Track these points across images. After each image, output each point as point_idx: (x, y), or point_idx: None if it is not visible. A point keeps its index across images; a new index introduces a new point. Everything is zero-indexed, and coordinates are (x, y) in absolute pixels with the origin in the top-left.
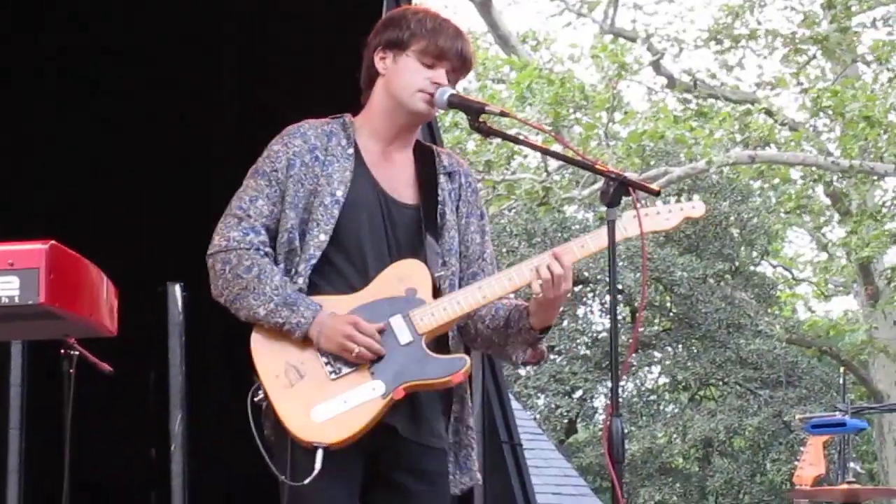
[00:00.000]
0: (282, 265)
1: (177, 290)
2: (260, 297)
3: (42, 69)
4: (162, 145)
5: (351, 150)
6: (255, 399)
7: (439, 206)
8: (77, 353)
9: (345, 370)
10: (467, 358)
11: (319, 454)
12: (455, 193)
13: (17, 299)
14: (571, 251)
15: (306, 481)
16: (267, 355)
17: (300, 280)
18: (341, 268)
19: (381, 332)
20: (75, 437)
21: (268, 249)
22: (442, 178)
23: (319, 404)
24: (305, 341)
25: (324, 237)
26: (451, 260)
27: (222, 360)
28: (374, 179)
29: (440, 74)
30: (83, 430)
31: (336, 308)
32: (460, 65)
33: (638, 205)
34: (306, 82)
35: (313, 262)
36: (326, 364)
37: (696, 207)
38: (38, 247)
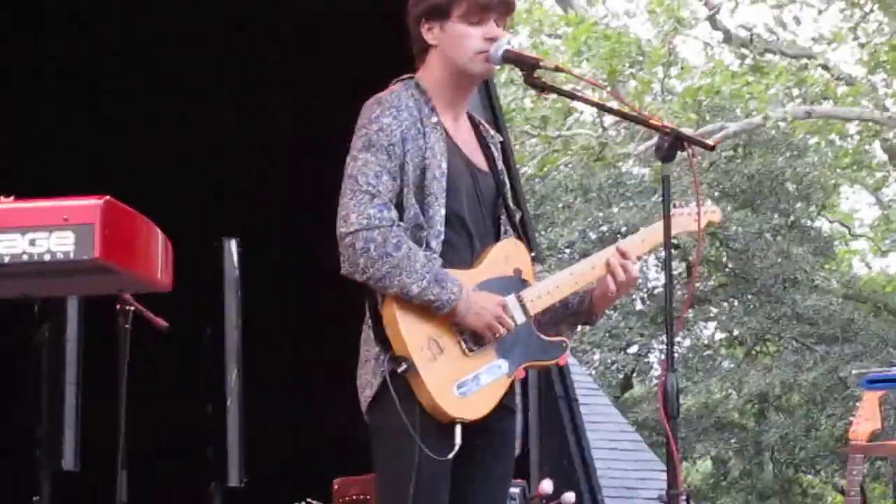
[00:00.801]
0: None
1: (232, 246)
2: (413, 274)
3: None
4: (221, 106)
5: (435, 119)
6: (399, 370)
7: (500, 175)
8: (133, 308)
9: (475, 347)
10: (568, 341)
11: (458, 430)
12: (500, 163)
13: (72, 254)
14: (635, 246)
15: (450, 455)
16: (411, 327)
17: (434, 256)
18: (452, 240)
19: None
20: (131, 392)
21: (404, 225)
22: (492, 147)
23: (459, 380)
24: (443, 315)
25: (443, 211)
26: (510, 230)
27: (278, 315)
28: (459, 148)
29: (491, 28)
30: (139, 385)
31: (464, 284)
32: (505, 9)
33: (672, 203)
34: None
35: (441, 237)
36: (461, 340)
37: (714, 212)
38: (93, 202)
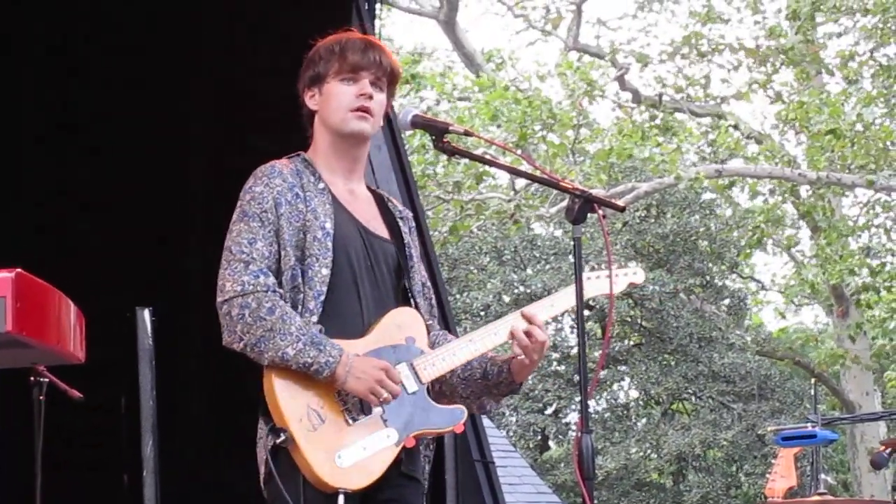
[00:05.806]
0: (289, 304)
1: (146, 316)
2: (287, 337)
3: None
4: (134, 171)
5: (322, 185)
6: (278, 442)
7: (406, 248)
8: (47, 380)
9: (360, 417)
10: (465, 409)
11: (341, 500)
12: (407, 237)
13: None
14: (543, 310)
15: None
16: (289, 398)
17: (313, 318)
18: (339, 302)
19: None
20: (47, 465)
21: (280, 290)
22: (399, 222)
23: (342, 450)
24: (323, 384)
25: (326, 271)
26: (419, 300)
27: (193, 384)
28: (350, 212)
29: (363, 86)
30: (55, 457)
31: (349, 350)
32: (382, 73)
33: (589, 267)
34: (283, 111)
35: (322, 298)
36: (344, 409)
37: (637, 274)
38: (4, 275)
